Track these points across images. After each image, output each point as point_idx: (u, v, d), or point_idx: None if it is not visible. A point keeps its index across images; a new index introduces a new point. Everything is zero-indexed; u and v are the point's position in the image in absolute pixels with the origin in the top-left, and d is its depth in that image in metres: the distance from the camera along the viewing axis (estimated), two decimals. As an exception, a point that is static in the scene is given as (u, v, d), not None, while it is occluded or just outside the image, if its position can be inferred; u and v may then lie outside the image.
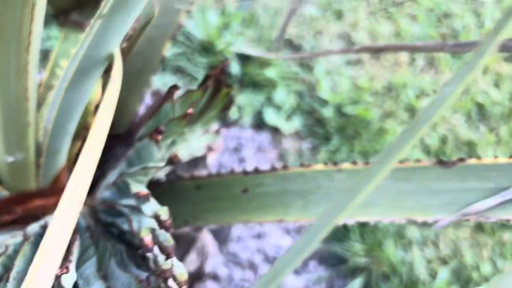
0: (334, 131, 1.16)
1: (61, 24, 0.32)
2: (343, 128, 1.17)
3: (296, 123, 1.15)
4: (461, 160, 0.32)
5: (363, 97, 1.23)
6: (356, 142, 1.16)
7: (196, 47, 1.15)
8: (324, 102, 1.20)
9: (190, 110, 0.29)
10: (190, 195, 0.37)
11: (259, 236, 1.02)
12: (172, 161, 0.29)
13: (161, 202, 0.35)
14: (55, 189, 0.35)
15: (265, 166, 0.42)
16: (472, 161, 0.32)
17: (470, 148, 1.29)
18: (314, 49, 1.28)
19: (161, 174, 0.37)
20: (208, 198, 0.37)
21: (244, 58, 1.17)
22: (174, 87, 0.31)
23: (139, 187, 0.29)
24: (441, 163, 0.32)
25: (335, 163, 0.34)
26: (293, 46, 1.27)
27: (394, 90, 1.29)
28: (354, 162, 0.35)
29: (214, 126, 0.40)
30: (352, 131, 1.17)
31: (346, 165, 0.34)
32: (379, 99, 1.26)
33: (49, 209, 0.34)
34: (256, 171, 0.37)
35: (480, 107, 1.37)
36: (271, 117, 1.13)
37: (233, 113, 1.10)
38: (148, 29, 0.41)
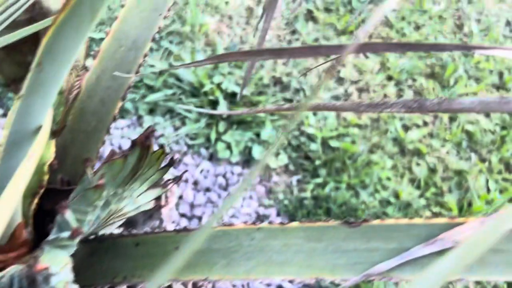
0: (322, 164, 1.19)
1: (14, 91, 0.37)
2: (330, 162, 1.19)
3: (284, 158, 1.19)
4: (365, 221, 0.34)
5: (349, 130, 1.26)
6: (344, 175, 1.18)
7: (186, 89, 1.20)
8: (311, 137, 1.23)
9: (101, 181, 0.32)
10: (131, 251, 0.40)
11: None
12: (73, 235, 0.32)
13: (105, 258, 0.38)
14: (13, 244, 0.38)
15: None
16: (376, 221, 0.34)
17: (461, 177, 1.29)
18: (302, 86, 1.32)
19: (112, 229, 0.40)
20: (144, 255, 0.39)
21: (231, 97, 1.22)
22: (112, 153, 0.35)
23: (53, 256, 0.32)
24: (348, 223, 0.34)
25: (254, 223, 0.37)
26: (282, 84, 1.32)
27: (382, 123, 1.32)
28: (270, 222, 0.37)
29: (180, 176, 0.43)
30: (340, 164, 1.20)
31: (264, 225, 0.36)
32: (366, 131, 1.29)
33: (8, 264, 0.37)
34: (186, 229, 0.40)
35: (471, 136, 1.39)
36: (259, 153, 1.17)
37: (221, 151, 1.14)
38: (101, 91, 0.46)
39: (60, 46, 0.24)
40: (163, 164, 0.40)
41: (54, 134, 0.37)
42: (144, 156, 0.34)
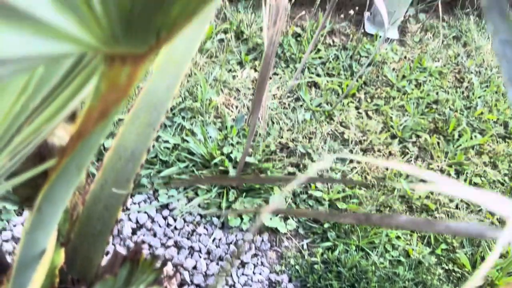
0: (331, 227, 1.22)
1: (27, 208, 0.45)
2: (339, 224, 1.23)
3: (293, 222, 1.23)
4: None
5: (356, 191, 1.30)
6: (353, 237, 1.21)
7: (198, 161, 1.29)
8: (319, 199, 1.28)
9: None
10: None
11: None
12: None
13: None
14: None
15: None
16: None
17: (472, 231, 1.29)
18: (307, 150, 1.38)
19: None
20: None
21: (240, 167, 1.29)
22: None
23: None
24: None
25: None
26: (288, 149, 1.39)
27: (388, 181, 1.36)
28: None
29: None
30: (348, 226, 1.23)
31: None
32: (373, 191, 1.33)
33: None
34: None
35: (479, 188, 1.40)
36: (269, 219, 1.22)
37: (232, 219, 1.20)
38: (105, 199, 0.53)
39: (55, 194, 0.32)
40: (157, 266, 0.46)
41: (62, 245, 0.44)
42: (134, 268, 0.40)
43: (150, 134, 0.54)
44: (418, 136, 1.51)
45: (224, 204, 1.22)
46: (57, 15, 0.20)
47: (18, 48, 0.21)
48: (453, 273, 1.21)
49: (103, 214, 0.51)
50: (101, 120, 0.30)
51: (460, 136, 1.53)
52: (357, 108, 1.55)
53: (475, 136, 1.54)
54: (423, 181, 1.38)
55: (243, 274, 1.15)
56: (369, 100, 1.59)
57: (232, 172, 1.27)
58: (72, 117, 0.45)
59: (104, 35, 0.24)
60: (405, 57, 1.77)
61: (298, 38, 1.70)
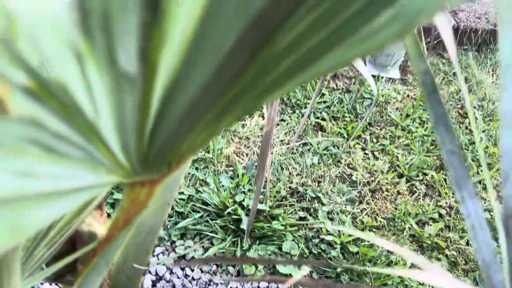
0: (343, 271, 1.26)
1: (60, 283, 0.51)
2: (351, 268, 1.26)
3: (307, 268, 1.26)
4: None
5: (366, 233, 1.33)
6: (366, 279, 1.24)
7: (212, 211, 1.34)
8: (331, 243, 1.31)
9: None
10: None
11: None
12: None
13: None
14: None
15: None
16: None
17: (485, 268, 1.31)
18: (317, 194, 1.43)
19: None
20: None
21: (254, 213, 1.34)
22: None
23: None
24: None
25: None
26: (297, 194, 1.44)
27: (397, 221, 1.39)
28: None
29: None
30: (361, 270, 1.26)
31: None
32: (383, 232, 1.36)
33: None
34: None
35: (489, 223, 1.42)
36: (283, 266, 1.25)
37: (247, 267, 1.24)
38: (127, 270, 0.59)
39: (87, 285, 0.38)
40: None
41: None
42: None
43: (165, 209, 0.60)
44: (425, 174, 1.55)
45: (238, 253, 1.27)
46: (89, 164, 0.27)
47: (64, 181, 0.28)
48: (468, 312, 1.22)
49: (126, 285, 0.57)
50: (125, 228, 0.36)
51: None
52: (363, 149, 1.60)
53: (481, 171, 1.57)
54: (432, 219, 1.39)
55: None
56: (374, 140, 1.64)
57: (245, 220, 1.32)
58: (98, 206, 0.51)
59: (126, 173, 0.30)
60: (408, 96, 1.83)
61: (303, 85, 1.77)
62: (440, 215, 1.43)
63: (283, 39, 0.26)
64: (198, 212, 1.35)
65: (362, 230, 1.35)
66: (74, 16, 0.22)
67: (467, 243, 1.37)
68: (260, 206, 1.35)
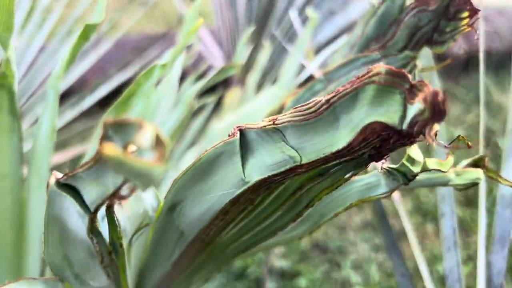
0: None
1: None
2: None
3: None
4: None
5: (393, 282, 1.28)
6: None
7: (233, 275, 1.32)
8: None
9: None
10: None
11: None
12: None
13: None
14: None
15: None
16: None
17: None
18: (340, 246, 1.39)
19: None
20: None
21: (279, 274, 1.31)
22: None
23: None
24: None
25: None
26: (320, 247, 1.40)
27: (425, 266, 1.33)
28: None
29: None
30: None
31: None
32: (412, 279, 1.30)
33: None
34: None
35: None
36: None
37: None
38: None
39: None
40: None
41: None
42: None
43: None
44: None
45: (264, 315, 1.24)
46: None
47: None
48: None
49: None
50: None
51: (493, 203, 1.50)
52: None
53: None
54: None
55: None
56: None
57: (269, 283, 1.30)
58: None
59: None
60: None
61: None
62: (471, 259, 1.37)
63: (221, 238, 0.28)
64: (219, 278, 1.33)
65: (388, 278, 1.30)
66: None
67: None
68: (282, 264, 1.33)
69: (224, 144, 0.27)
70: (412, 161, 0.26)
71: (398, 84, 0.19)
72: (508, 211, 0.54)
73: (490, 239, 0.65)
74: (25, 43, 0.89)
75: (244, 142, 0.27)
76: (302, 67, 1.02)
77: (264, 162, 0.26)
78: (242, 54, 0.96)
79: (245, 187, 0.28)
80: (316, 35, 1.40)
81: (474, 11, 0.34)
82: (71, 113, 0.93)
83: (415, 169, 0.26)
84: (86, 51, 1.00)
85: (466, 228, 1.44)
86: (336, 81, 0.43)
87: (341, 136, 0.23)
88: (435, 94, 0.16)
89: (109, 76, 1.05)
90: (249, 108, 0.94)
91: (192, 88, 0.71)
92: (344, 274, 1.32)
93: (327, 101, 0.22)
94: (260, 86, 1.19)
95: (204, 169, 0.29)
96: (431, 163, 0.27)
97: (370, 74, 0.20)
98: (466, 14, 0.34)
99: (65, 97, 0.97)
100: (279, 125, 0.24)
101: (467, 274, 0.94)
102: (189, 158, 0.87)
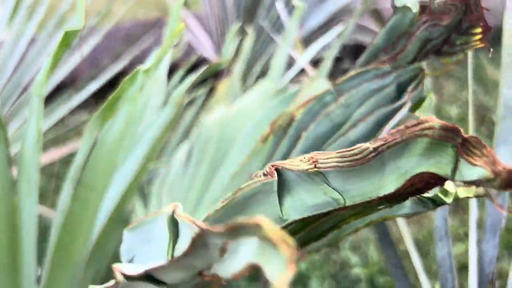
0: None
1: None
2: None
3: None
4: None
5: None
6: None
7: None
8: (357, 278, 1.30)
9: None
10: None
11: None
12: None
13: None
14: None
15: None
16: None
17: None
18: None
19: None
20: None
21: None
22: None
23: None
24: None
25: None
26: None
27: (423, 246, 1.37)
28: None
29: None
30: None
31: None
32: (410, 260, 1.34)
33: None
34: None
35: None
36: None
37: None
38: None
39: None
40: None
41: None
42: None
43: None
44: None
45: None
46: None
47: None
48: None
49: None
50: None
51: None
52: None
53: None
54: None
55: None
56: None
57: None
58: None
59: None
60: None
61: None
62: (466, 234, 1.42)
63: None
64: None
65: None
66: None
67: None
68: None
69: (262, 184, 0.27)
70: (445, 192, 0.27)
71: (451, 138, 0.20)
72: (499, 200, 0.56)
73: (482, 228, 0.67)
74: (13, 40, 0.86)
75: (282, 181, 0.27)
76: (292, 59, 1.01)
77: (304, 203, 0.26)
78: (230, 46, 0.94)
79: (283, 224, 0.28)
80: (307, 22, 1.40)
81: (487, 28, 0.34)
82: (64, 108, 0.90)
83: (448, 200, 0.27)
84: (78, 43, 0.98)
85: (458, 217, 1.49)
86: (347, 93, 0.43)
87: (388, 182, 0.23)
88: (510, 172, 0.16)
89: (102, 68, 1.02)
90: (241, 104, 0.93)
91: (180, 87, 0.70)
92: (343, 255, 1.35)
93: (375, 149, 0.22)
94: (249, 76, 1.18)
95: (239, 206, 0.29)
96: (461, 192, 0.28)
97: (422, 127, 0.20)
98: (478, 30, 0.35)
99: (59, 90, 0.94)
100: (322, 169, 0.24)
101: (459, 263, 0.97)
102: (181, 153, 0.86)
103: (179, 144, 0.94)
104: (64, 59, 0.94)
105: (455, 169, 0.20)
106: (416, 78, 0.41)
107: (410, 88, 0.41)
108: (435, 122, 0.20)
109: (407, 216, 0.35)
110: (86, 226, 0.57)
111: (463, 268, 0.70)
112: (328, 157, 0.24)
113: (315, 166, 0.25)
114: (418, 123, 0.21)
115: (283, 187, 0.27)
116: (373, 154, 0.22)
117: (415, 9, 0.38)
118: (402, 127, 0.21)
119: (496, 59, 1.99)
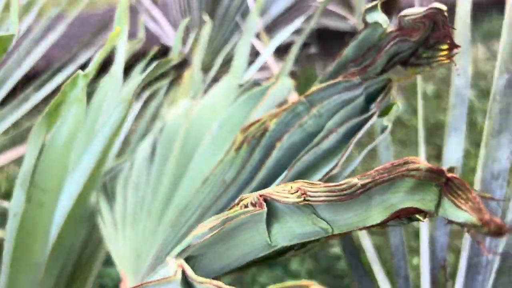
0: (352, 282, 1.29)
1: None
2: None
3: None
4: None
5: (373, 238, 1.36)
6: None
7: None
8: (336, 256, 1.34)
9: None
10: None
11: None
12: None
13: None
14: None
15: None
16: None
17: None
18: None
19: None
20: None
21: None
22: None
23: None
24: None
25: None
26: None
27: (407, 227, 1.43)
28: None
29: None
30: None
31: None
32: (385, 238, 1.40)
33: None
34: None
35: None
36: None
37: None
38: None
39: None
40: None
41: None
42: None
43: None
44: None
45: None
46: None
47: None
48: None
49: None
50: None
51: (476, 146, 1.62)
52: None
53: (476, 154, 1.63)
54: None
55: None
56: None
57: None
58: None
59: None
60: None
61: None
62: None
63: None
64: None
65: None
66: None
67: None
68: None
69: (251, 215, 0.28)
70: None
71: (436, 179, 0.21)
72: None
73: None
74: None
75: (270, 209, 0.28)
76: (257, 52, 1.01)
77: (292, 231, 0.27)
78: (180, 40, 0.93)
79: (271, 250, 0.29)
80: (272, 8, 1.39)
81: (453, 46, 0.36)
82: (34, 99, 0.87)
83: (422, 217, 0.29)
84: (49, 28, 0.93)
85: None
86: (319, 104, 0.44)
87: (374, 213, 0.24)
88: (500, 227, 0.18)
89: (74, 54, 0.98)
90: (205, 101, 0.92)
91: (129, 85, 0.69)
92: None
93: (363, 185, 0.23)
94: (213, 66, 1.17)
95: (227, 234, 0.29)
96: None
97: (409, 167, 0.21)
98: (445, 46, 0.37)
99: (31, 78, 0.90)
100: (311, 202, 0.25)
101: (412, 251, 0.99)
102: (144, 148, 0.85)
103: (142, 139, 0.93)
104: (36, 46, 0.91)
105: (438, 205, 0.21)
106: (385, 88, 0.43)
107: (379, 98, 0.43)
108: (422, 164, 0.21)
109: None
110: (43, 227, 0.57)
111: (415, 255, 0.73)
112: (317, 190, 0.25)
113: (304, 199, 0.26)
114: (405, 163, 0.22)
115: (271, 215, 0.28)
116: (361, 190, 0.23)
117: (385, 25, 0.39)
118: (389, 165, 0.23)
119: (472, 36, 2.02)
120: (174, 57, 0.89)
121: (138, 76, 0.84)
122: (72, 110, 0.54)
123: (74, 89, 0.48)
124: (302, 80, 1.63)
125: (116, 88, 0.84)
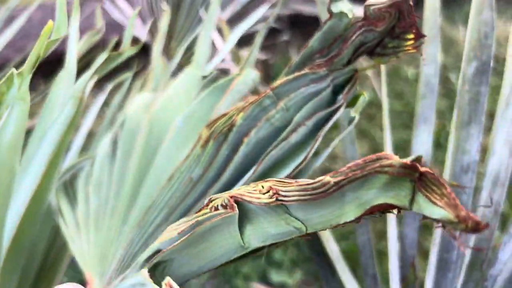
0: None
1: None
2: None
3: (298, 275, 1.29)
4: None
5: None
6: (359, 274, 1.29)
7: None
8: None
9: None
10: None
11: None
12: None
13: None
14: None
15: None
16: None
17: None
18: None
19: None
20: None
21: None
22: None
23: None
24: None
25: None
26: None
27: (374, 225, 1.45)
28: None
29: None
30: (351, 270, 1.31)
31: None
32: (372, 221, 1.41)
33: None
34: None
35: None
36: (275, 276, 1.28)
37: (240, 283, 1.25)
38: None
39: None
40: None
41: None
42: None
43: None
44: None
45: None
46: None
47: None
48: None
49: None
50: None
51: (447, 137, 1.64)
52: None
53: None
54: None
55: None
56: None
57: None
58: None
59: None
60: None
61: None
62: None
63: None
64: None
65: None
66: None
67: None
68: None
69: (222, 218, 0.27)
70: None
71: (409, 174, 0.21)
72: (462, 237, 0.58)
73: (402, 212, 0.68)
74: None
75: (242, 211, 0.27)
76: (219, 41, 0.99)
77: (265, 232, 0.27)
78: (130, 33, 0.90)
79: (244, 251, 0.28)
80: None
81: (419, 35, 0.36)
82: None
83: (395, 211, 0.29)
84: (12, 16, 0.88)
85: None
86: (286, 97, 0.43)
87: (348, 210, 0.24)
88: (477, 223, 0.17)
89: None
90: (167, 94, 0.90)
91: (79, 81, 0.66)
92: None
93: (336, 183, 0.23)
94: (175, 57, 1.14)
95: (199, 237, 0.28)
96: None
97: (382, 164, 0.21)
98: (411, 36, 0.36)
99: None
100: (283, 202, 0.25)
101: (380, 248, 0.97)
102: (105, 144, 0.82)
103: (105, 132, 0.89)
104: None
105: (412, 200, 0.21)
106: (351, 80, 0.42)
107: (345, 90, 0.42)
108: (395, 160, 0.21)
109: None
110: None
111: (384, 253, 0.72)
112: (289, 189, 0.24)
113: (276, 199, 0.25)
114: (378, 159, 0.21)
115: (243, 216, 0.27)
116: (334, 188, 0.23)
117: (351, 15, 0.38)
118: (361, 161, 0.22)
119: (452, 16, 2.02)
120: (124, 49, 0.86)
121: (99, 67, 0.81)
122: (15, 110, 0.52)
123: (11, 89, 0.45)
124: (276, 69, 1.61)
125: (69, 83, 0.80)
